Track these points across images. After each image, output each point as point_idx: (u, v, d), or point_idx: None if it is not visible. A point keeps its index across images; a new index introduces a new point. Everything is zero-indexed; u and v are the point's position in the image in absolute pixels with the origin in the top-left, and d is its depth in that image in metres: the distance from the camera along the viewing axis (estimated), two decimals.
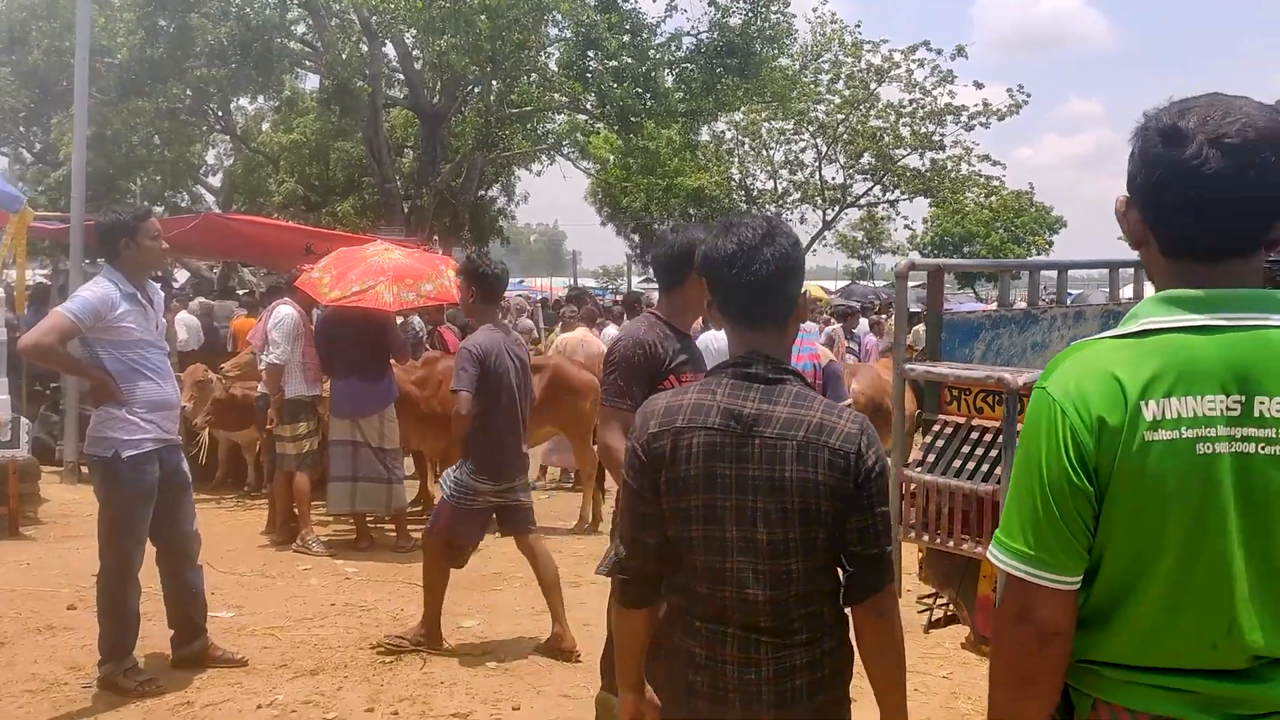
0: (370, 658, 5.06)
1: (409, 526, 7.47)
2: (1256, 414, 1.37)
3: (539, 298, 26.16)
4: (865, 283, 38.55)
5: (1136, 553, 1.40)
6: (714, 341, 8.86)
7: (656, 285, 3.64)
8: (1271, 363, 1.37)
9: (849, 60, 28.90)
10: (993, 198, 33.73)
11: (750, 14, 20.26)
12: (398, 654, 5.07)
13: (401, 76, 22.05)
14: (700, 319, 6.62)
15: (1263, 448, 1.37)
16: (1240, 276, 1.43)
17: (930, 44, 28.52)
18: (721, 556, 1.96)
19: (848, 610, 2.05)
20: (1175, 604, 1.39)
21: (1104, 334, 1.46)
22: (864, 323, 13.96)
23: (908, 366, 3.88)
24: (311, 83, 24.76)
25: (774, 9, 20.69)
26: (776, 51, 21.62)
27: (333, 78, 19.15)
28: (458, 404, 5.01)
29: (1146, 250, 1.49)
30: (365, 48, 19.39)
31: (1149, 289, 1.56)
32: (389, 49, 20.75)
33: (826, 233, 34.20)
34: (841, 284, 38.67)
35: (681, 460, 1.97)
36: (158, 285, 4.98)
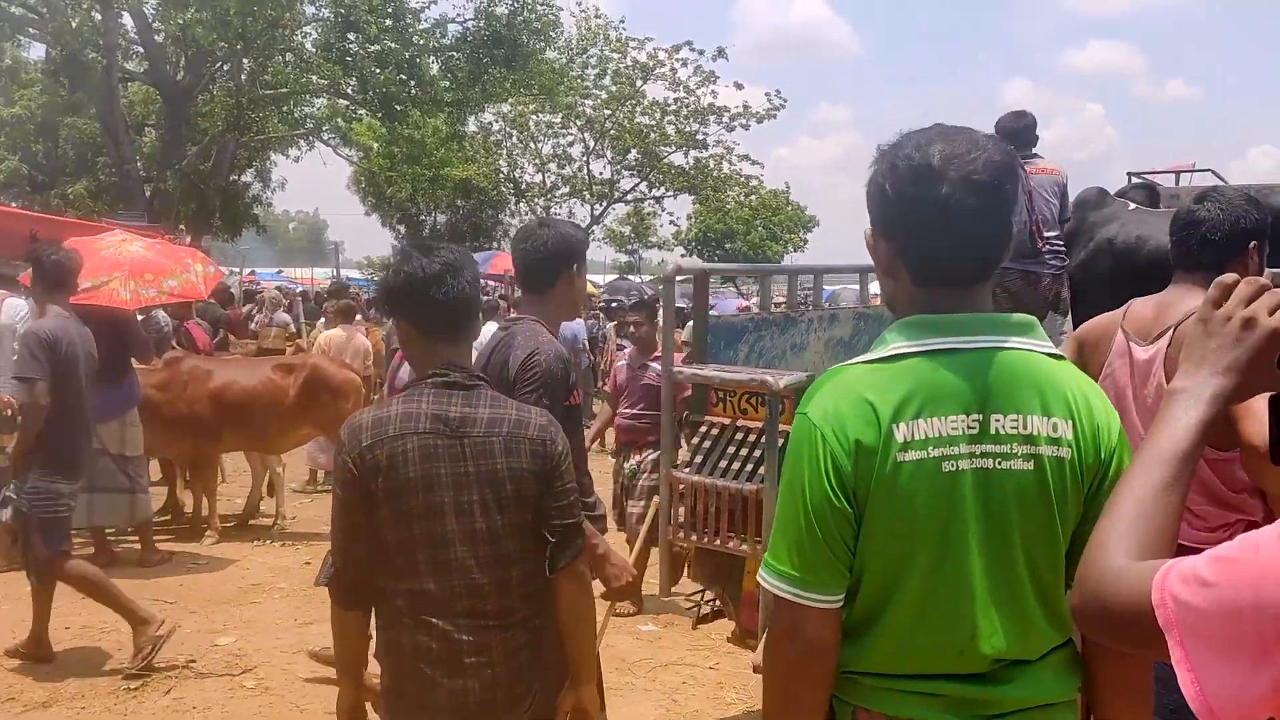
0: (111, 685, 4.67)
1: (156, 538, 6.95)
2: (993, 431, 1.47)
3: (299, 290, 24.93)
4: (633, 277, 39.30)
5: (891, 569, 1.48)
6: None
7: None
8: (1005, 382, 1.48)
9: (615, 56, 29.33)
10: (753, 197, 35.17)
11: (517, 4, 20.16)
12: (144, 678, 4.70)
13: (141, 49, 20.43)
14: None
15: (999, 463, 1.47)
16: (976, 300, 1.54)
17: (693, 44, 29.37)
18: (445, 550, 2.15)
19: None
20: (924, 614, 1.48)
21: (857, 359, 1.54)
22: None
23: (675, 370, 3.97)
24: (37, 51, 22.52)
25: (540, 1, 20.71)
26: (543, 44, 21.64)
27: (61, 47, 17.48)
28: (33, 393, 4.66)
29: (895, 280, 1.57)
30: (98, 16, 17.83)
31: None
32: (126, 19, 19.17)
33: (595, 227, 34.59)
34: (610, 278, 39.24)
35: (399, 466, 2.13)
36: None
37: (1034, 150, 5.43)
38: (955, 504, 1.45)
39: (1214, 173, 7.69)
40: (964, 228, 1.47)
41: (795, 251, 40.48)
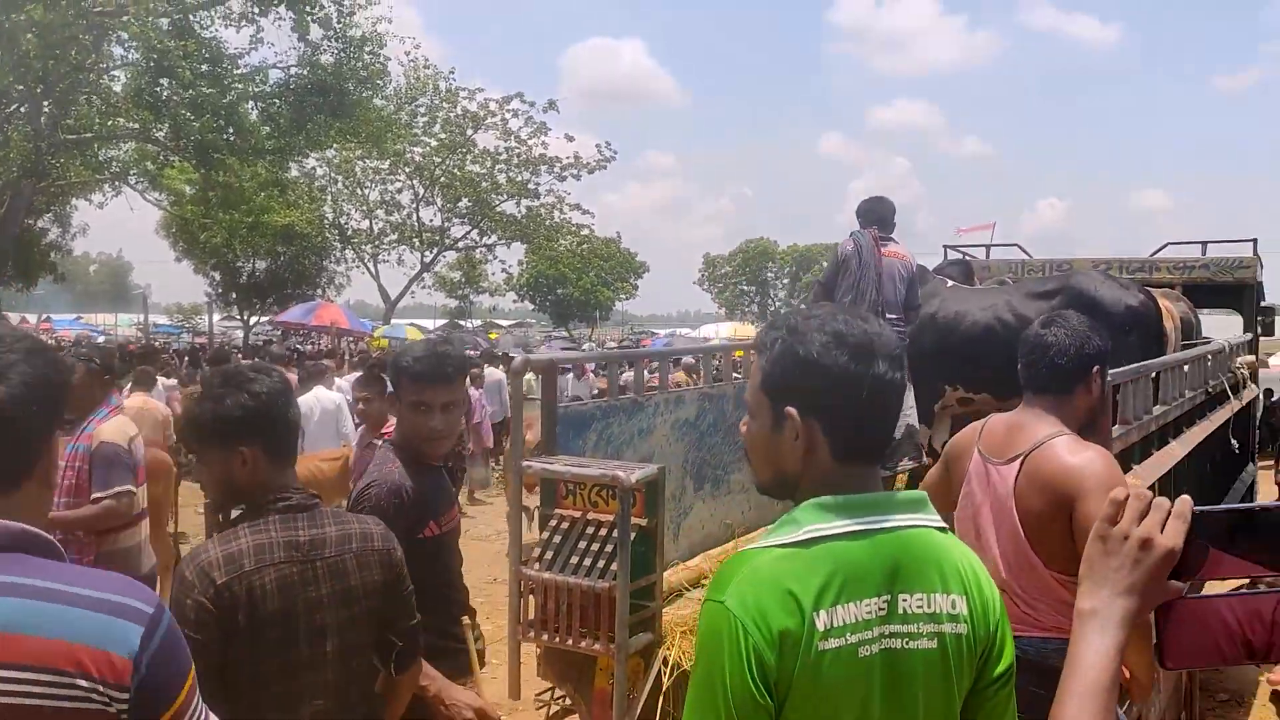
0: None
1: None
2: (900, 611, 1.47)
3: (101, 337, 23.36)
4: (463, 322, 38.90)
5: None
6: (317, 403, 8.40)
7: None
8: (912, 562, 1.49)
9: (445, 105, 29.14)
10: (584, 245, 35.47)
11: (342, 53, 19.74)
12: None
13: None
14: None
15: (906, 642, 1.47)
16: (877, 475, 1.57)
17: (524, 95, 29.58)
18: (295, 679, 2.14)
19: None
20: None
21: (769, 543, 1.50)
22: (494, 373, 13.23)
23: (525, 464, 3.88)
24: None
25: (367, 49, 20.34)
26: (370, 93, 21.24)
27: None
28: None
29: (809, 455, 1.52)
30: None
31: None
32: None
33: (425, 274, 34.10)
34: (440, 323, 38.65)
35: (259, 600, 2.09)
36: None
37: (891, 235, 5.55)
38: (869, 689, 1.45)
39: (1020, 247, 8.26)
40: (888, 404, 1.52)
41: (626, 299, 40.98)
